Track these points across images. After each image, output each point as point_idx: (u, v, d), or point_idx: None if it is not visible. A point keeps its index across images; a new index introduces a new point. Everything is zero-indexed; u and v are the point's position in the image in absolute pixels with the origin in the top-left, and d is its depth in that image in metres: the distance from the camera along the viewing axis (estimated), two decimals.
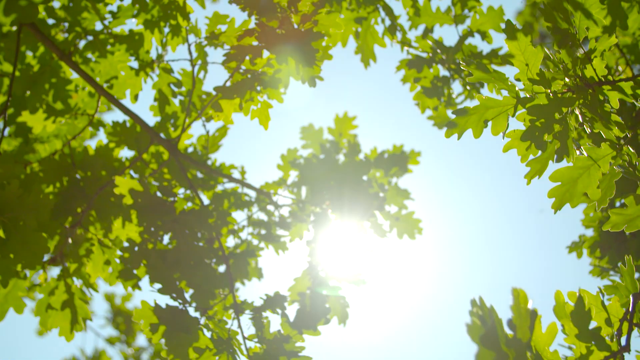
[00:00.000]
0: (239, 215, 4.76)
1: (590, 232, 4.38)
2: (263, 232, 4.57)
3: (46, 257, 3.76)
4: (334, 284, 4.38)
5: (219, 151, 4.51)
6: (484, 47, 11.03)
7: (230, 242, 4.52)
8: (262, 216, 4.66)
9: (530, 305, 1.94)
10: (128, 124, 4.14)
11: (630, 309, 2.20)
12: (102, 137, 8.67)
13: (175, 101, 4.15)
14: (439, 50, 4.37)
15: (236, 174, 4.63)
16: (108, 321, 9.44)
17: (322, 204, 4.54)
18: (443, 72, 4.46)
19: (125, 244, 3.77)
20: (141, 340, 9.74)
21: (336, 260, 4.41)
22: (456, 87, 9.82)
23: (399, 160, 4.96)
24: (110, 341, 9.45)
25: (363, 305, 4.48)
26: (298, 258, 4.66)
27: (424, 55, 4.42)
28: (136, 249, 3.73)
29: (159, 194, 3.85)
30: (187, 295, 3.65)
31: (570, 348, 2.21)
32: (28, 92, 3.98)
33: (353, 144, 4.89)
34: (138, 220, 3.75)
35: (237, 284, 4.46)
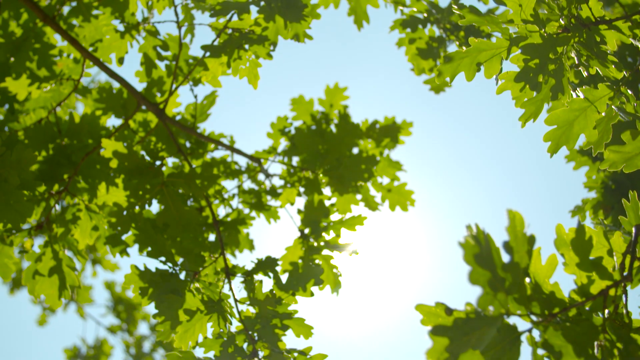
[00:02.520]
0: (229, 184, 4.68)
1: (593, 195, 4.29)
2: (253, 201, 4.48)
3: (33, 224, 3.68)
4: (327, 254, 4.29)
5: (208, 121, 4.42)
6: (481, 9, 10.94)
7: (221, 211, 4.44)
8: (253, 186, 4.58)
9: (527, 230, 1.85)
10: (114, 90, 4.06)
11: (632, 239, 2.10)
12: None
13: (162, 65, 4.07)
14: (434, 11, 4.28)
15: (225, 143, 4.55)
16: (109, 310, 9.39)
17: (313, 171, 4.45)
18: (438, 33, 4.37)
19: (113, 209, 3.69)
20: (143, 328, 9.69)
21: (328, 228, 4.31)
22: (452, 49, 9.73)
23: (390, 130, 4.87)
24: (112, 330, 9.40)
25: (356, 276, 4.39)
26: (290, 227, 4.58)
27: (420, 16, 4.33)
28: (124, 213, 3.66)
29: (146, 157, 3.76)
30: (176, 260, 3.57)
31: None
32: (12, 59, 3.90)
33: (344, 115, 4.79)
34: (125, 184, 3.67)
35: (228, 255, 4.37)
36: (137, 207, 3.70)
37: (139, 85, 4.10)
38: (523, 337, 1.91)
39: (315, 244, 4.33)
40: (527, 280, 1.89)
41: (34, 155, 3.03)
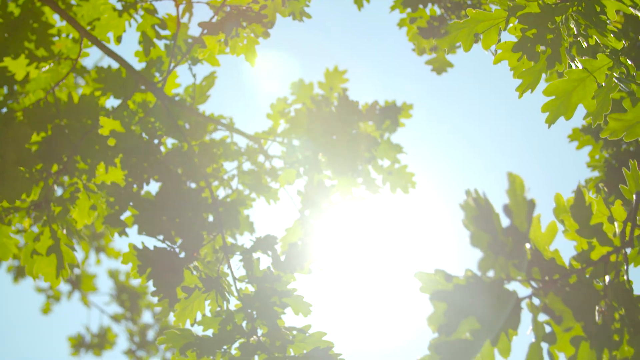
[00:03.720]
0: (229, 166, 4.65)
1: (596, 174, 4.27)
2: (253, 182, 4.46)
3: (31, 204, 3.66)
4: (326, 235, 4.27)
5: (208, 103, 4.39)
6: None
7: (221, 193, 4.42)
8: (253, 168, 4.55)
9: (527, 195, 1.82)
10: (112, 70, 4.03)
11: (633, 206, 2.07)
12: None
13: (160, 45, 4.04)
14: None
15: (224, 124, 4.52)
16: (113, 298, 9.38)
17: (313, 153, 4.43)
18: (439, 12, 4.34)
19: (111, 188, 3.67)
20: (147, 317, 9.69)
21: (329, 210, 4.29)
22: None
23: (390, 112, 4.83)
24: (116, 318, 9.40)
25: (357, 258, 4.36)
26: (290, 210, 4.56)
27: None
28: (122, 192, 3.64)
29: (144, 135, 3.74)
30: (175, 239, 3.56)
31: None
32: (10, 39, 3.88)
33: (343, 97, 4.76)
34: (123, 162, 3.65)
35: (230, 239, 4.35)
36: (135, 186, 3.68)
37: (138, 66, 4.07)
38: (523, 304, 1.89)
39: (316, 225, 4.31)
40: (528, 246, 1.87)
41: (29, 132, 3.01)
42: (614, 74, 2.58)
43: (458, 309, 1.74)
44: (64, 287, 9.31)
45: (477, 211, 1.71)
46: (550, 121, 2.63)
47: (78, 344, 9.08)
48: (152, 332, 9.50)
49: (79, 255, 3.66)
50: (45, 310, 9.29)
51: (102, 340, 9.11)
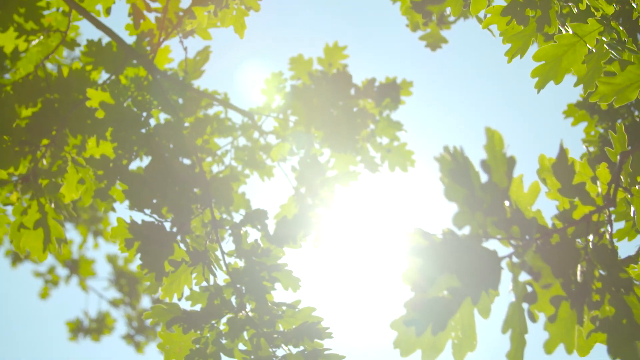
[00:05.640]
0: (222, 142, 4.60)
1: (591, 150, 4.22)
2: (247, 158, 4.42)
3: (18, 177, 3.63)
4: (322, 211, 4.23)
5: (202, 79, 4.33)
6: None
7: (214, 169, 4.37)
8: (247, 144, 4.51)
9: (507, 151, 1.77)
10: (103, 43, 3.99)
11: (617, 166, 2.02)
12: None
13: (151, 18, 3.99)
14: None
15: (218, 99, 4.47)
16: (111, 283, 9.37)
17: (309, 128, 4.38)
18: None
19: (99, 161, 3.63)
20: (146, 302, 9.68)
21: (324, 185, 4.25)
22: None
23: (390, 90, 4.78)
24: (114, 303, 9.39)
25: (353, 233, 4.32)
26: (286, 188, 4.51)
27: None
28: (110, 165, 3.60)
29: (134, 110, 3.70)
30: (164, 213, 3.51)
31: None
32: None
33: (343, 73, 4.70)
34: (113, 136, 3.61)
35: (224, 215, 4.31)
36: (124, 160, 3.64)
37: (130, 39, 4.03)
38: (504, 264, 1.84)
39: (311, 201, 4.27)
40: (507, 203, 1.82)
41: (18, 106, 2.97)
42: (604, 38, 2.53)
43: (434, 266, 1.70)
44: (62, 271, 9.31)
45: (453, 164, 1.66)
46: (540, 86, 2.59)
47: (76, 328, 9.07)
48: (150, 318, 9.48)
49: (75, 237, 3.61)
50: (44, 295, 9.28)
51: (100, 325, 9.10)
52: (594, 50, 2.57)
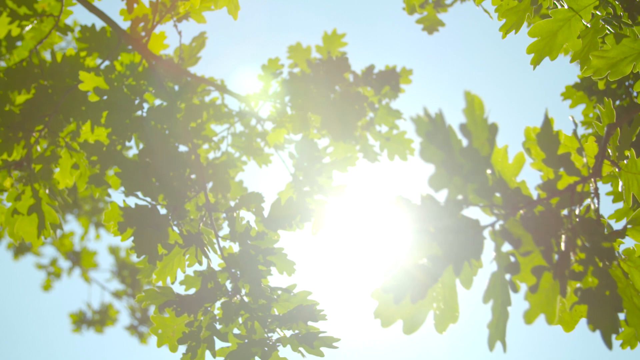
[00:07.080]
0: (219, 129, 4.57)
1: (590, 132, 4.19)
2: (244, 145, 4.40)
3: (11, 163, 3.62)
4: (320, 198, 4.20)
5: (198, 65, 4.30)
6: None
7: (211, 156, 4.36)
8: (244, 130, 4.49)
9: (487, 117, 1.73)
10: (97, 28, 3.97)
11: (604, 138, 1.99)
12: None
13: (145, 2, 3.97)
14: None
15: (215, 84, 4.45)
16: (114, 275, 9.38)
17: (306, 113, 4.35)
18: None
19: (93, 146, 3.62)
20: None
21: (321, 171, 4.22)
22: None
23: (389, 77, 4.74)
24: (117, 294, 9.40)
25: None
26: (283, 175, 4.49)
27: None
28: (104, 150, 3.59)
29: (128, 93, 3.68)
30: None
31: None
32: None
33: (341, 59, 4.67)
34: (107, 120, 3.59)
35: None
36: (118, 145, 3.63)
37: (124, 25, 4.01)
38: (486, 233, 1.82)
39: (308, 188, 4.25)
40: (489, 171, 1.79)
41: (11, 92, 2.96)
42: (599, 13, 2.50)
43: (413, 231, 1.67)
44: (64, 263, 9.32)
45: (431, 126, 1.63)
46: (535, 62, 2.56)
47: (79, 320, 9.09)
48: (153, 308, 9.49)
49: (77, 229, 3.60)
50: (46, 287, 9.29)
51: (103, 317, 9.12)
52: (589, 25, 2.54)
